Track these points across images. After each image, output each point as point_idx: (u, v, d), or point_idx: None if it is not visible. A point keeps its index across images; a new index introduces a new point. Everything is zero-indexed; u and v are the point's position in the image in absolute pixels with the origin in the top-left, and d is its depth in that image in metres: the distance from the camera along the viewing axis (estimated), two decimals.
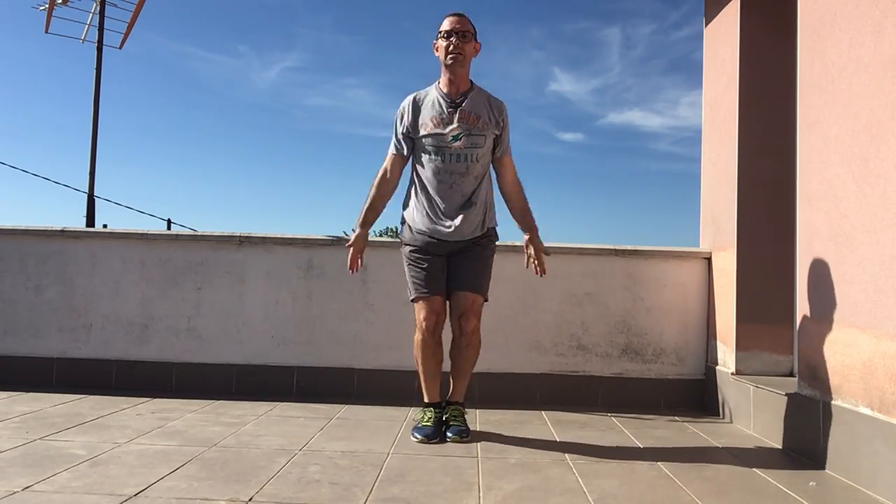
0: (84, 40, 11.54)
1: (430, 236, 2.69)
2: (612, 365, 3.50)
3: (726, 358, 3.24)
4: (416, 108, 2.71)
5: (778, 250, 3.11)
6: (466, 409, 2.81)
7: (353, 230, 2.81)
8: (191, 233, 3.89)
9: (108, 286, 3.58)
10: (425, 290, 2.67)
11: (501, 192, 2.84)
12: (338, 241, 3.57)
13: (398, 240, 2.91)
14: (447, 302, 2.75)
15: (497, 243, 2.83)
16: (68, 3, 11.12)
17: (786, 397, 2.61)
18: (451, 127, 2.65)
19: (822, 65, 2.42)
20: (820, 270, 2.40)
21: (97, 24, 11.34)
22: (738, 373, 3.11)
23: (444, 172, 2.65)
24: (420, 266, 2.70)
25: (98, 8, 11.33)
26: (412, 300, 2.73)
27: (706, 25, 3.61)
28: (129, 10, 11.20)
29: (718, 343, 3.35)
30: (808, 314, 2.47)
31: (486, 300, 2.75)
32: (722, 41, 3.40)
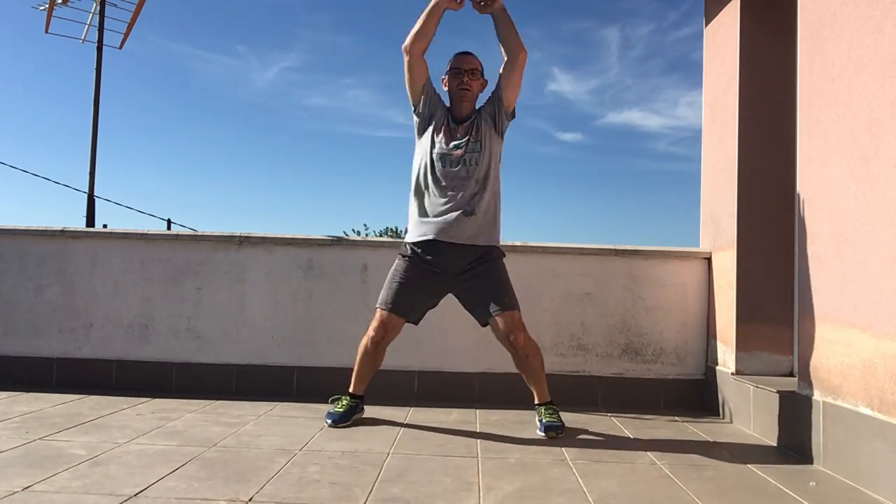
0: (84, 40, 11.53)
1: (432, 241, 2.74)
2: (612, 365, 3.50)
3: (726, 358, 3.24)
4: (442, 104, 2.89)
5: (778, 250, 3.12)
6: (555, 406, 2.84)
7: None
8: (191, 233, 3.89)
9: (108, 286, 3.58)
10: (388, 307, 2.79)
11: (516, 53, 2.81)
12: (338, 242, 3.57)
13: (398, 240, 2.94)
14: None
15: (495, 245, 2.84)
16: (68, 3, 11.11)
17: (786, 397, 2.61)
18: (454, 139, 2.80)
19: (822, 65, 2.42)
20: (820, 270, 2.40)
21: (97, 24, 11.33)
22: (738, 373, 3.11)
23: (445, 177, 2.76)
24: (399, 281, 2.80)
25: (98, 8, 11.31)
26: (376, 305, 2.83)
27: (706, 25, 3.61)
28: (129, 10, 11.18)
29: (718, 343, 3.35)
30: (808, 314, 2.47)
31: (519, 309, 2.80)
32: (722, 41, 3.40)
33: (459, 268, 2.77)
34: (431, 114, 2.86)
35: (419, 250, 2.79)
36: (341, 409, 2.82)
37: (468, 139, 2.79)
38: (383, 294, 2.82)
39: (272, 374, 3.50)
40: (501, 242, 2.88)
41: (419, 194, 2.81)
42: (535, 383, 2.87)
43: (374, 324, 2.81)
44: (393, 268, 2.85)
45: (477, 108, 2.90)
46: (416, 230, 2.80)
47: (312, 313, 3.54)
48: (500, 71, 2.87)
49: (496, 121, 2.85)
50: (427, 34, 2.77)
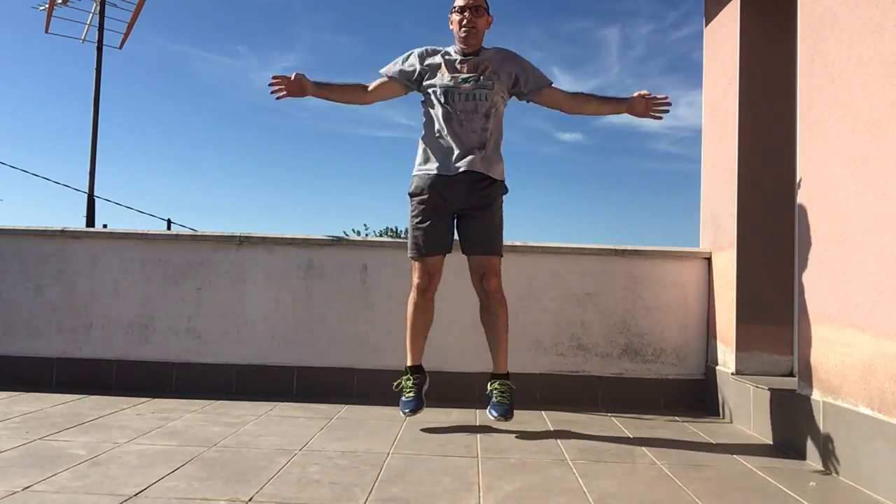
0: (84, 40, 11.56)
1: (438, 176, 2.76)
2: (612, 365, 3.50)
3: (726, 358, 3.24)
4: (426, 55, 2.87)
5: (778, 250, 3.12)
6: (512, 384, 2.85)
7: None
8: (191, 233, 3.89)
9: (108, 286, 3.58)
10: (422, 251, 2.77)
11: (572, 112, 2.90)
12: (338, 242, 3.57)
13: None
14: (461, 259, 2.84)
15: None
16: (68, 3, 11.14)
17: (786, 397, 2.61)
18: (461, 74, 2.79)
19: (822, 65, 2.42)
20: (820, 270, 2.40)
21: (97, 24, 11.36)
22: (738, 373, 3.11)
23: (453, 111, 2.76)
24: (421, 226, 2.78)
25: (98, 8, 11.34)
26: (409, 257, 2.82)
27: (706, 25, 3.61)
28: (129, 10, 11.23)
29: (718, 343, 3.35)
30: (808, 314, 2.47)
31: (502, 255, 2.83)
32: (722, 41, 3.40)
33: (467, 193, 2.76)
34: (425, 71, 2.84)
35: (428, 182, 2.78)
36: (412, 395, 2.79)
37: (478, 75, 2.78)
38: (410, 243, 2.81)
39: (272, 374, 3.50)
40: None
41: (428, 129, 2.83)
42: (497, 344, 2.85)
43: (416, 273, 2.79)
44: (410, 213, 2.84)
45: (505, 56, 2.86)
46: (424, 164, 2.81)
47: (312, 313, 3.54)
48: (553, 91, 2.87)
49: (512, 86, 2.84)
50: (347, 100, 2.91)
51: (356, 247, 3.60)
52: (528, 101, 2.92)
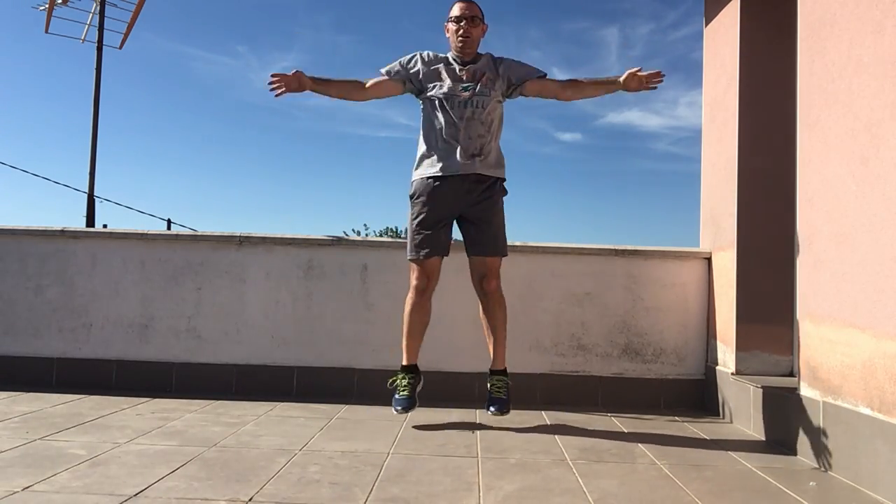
0: (84, 40, 11.56)
1: (438, 178, 2.80)
2: (612, 365, 3.50)
3: (726, 358, 3.24)
4: (429, 60, 2.93)
5: (778, 250, 3.11)
6: (508, 380, 2.92)
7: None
8: (191, 233, 3.89)
9: (108, 286, 3.58)
10: (421, 255, 2.81)
11: (569, 100, 2.95)
12: (338, 242, 3.57)
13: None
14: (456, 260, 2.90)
15: None
16: (68, 3, 11.14)
17: (786, 397, 2.61)
18: (461, 82, 2.85)
19: (822, 65, 2.42)
20: (820, 270, 2.40)
21: (97, 24, 11.36)
22: (738, 373, 3.11)
23: (452, 117, 2.82)
24: (420, 229, 2.83)
25: (98, 8, 11.34)
26: (408, 259, 2.87)
27: (706, 25, 3.61)
28: (129, 10, 11.23)
29: (718, 343, 3.35)
30: (808, 314, 2.47)
31: (506, 255, 2.89)
32: (722, 41, 3.40)
33: (467, 195, 2.82)
34: (426, 78, 2.90)
35: (428, 186, 2.83)
36: (406, 393, 2.83)
37: (477, 84, 2.84)
38: (409, 245, 2.86)
39: (272, 374, 3.50)
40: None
41: (428, 133, 2.87)
42: (496, 341, 2.92)
43: (414, 274, 2.84)
44: (410, 216, 2.88)
45: (496, 61, 2.93)
46: (424, 169, 2.85)
47: (312, 313, 3.54)
48: (550, 82, 2.92)
49: (508, 87, 2.91)
50: (345, 96, 2.93)
51: (356, 247, 3.60)
52: (524, 96, 2.96)
